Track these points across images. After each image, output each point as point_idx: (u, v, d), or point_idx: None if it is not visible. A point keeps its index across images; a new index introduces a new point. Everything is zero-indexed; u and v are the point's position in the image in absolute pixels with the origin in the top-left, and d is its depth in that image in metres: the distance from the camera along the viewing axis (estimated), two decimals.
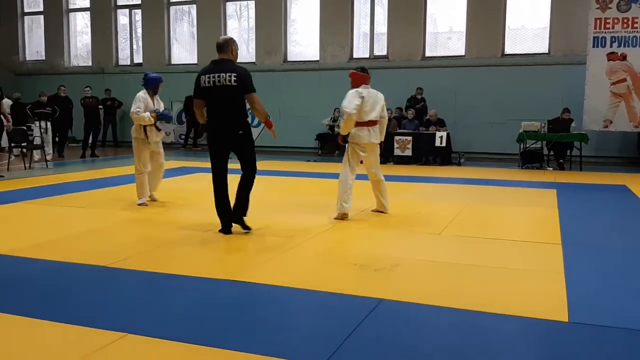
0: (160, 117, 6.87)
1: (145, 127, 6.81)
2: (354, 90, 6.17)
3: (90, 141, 13.68)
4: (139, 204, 6.86)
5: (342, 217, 6.14)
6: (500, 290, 3.84)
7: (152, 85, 6.92)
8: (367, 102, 6.15)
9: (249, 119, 5.40)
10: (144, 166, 6.91)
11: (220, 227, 5.45)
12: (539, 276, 4.15)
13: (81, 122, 13.70)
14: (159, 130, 6.96)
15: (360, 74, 6.25)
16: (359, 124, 6.17)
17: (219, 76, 5.13)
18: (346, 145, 6.37)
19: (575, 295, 3.67)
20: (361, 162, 6.44)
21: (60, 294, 3.72)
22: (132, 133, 6.91)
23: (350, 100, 6.08)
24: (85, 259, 4.45)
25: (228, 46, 5.28)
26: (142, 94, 6.84)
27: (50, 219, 6.27)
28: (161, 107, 7.03)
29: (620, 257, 4.77)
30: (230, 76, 5.10)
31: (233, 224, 5.44)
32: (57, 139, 13.39)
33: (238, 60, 5.36)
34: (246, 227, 5.43)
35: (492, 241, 5.26)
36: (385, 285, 3.91)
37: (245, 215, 5.44)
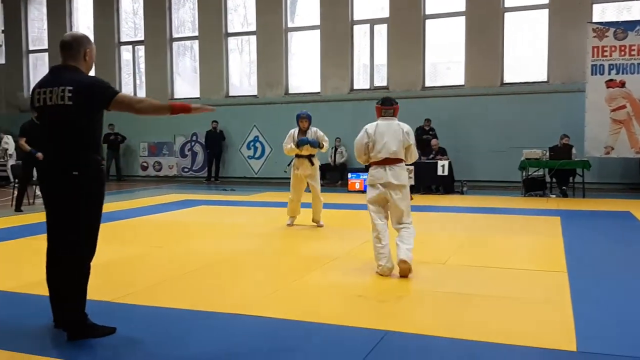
0: (299, 142, 7.40)
1: (295, 158, 7.59)
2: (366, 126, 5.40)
3: None
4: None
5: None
6: (507, 320, 3.80)
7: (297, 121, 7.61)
8: (375, 139, 5.25)
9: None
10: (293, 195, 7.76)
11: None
12: (546, 305, 4.11)
13: None
14: (312, 164, 7.59)
15: (377, 106, 5.59)
16: (373, 163, 5.28)
17: (50, 92, 3.37)
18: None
19: (583, 324, 3.63)
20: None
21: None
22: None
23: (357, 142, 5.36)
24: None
25: (79, 47, 3.47)
26: (293, 130, 7.63)
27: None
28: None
29: (626, 284, 4.73)
30: (63, 91, 3.32)
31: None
32: None
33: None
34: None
35: (497, 270, 5.22)
36: (391, 317, 3.88)
37: (79, 336, 3.38)
